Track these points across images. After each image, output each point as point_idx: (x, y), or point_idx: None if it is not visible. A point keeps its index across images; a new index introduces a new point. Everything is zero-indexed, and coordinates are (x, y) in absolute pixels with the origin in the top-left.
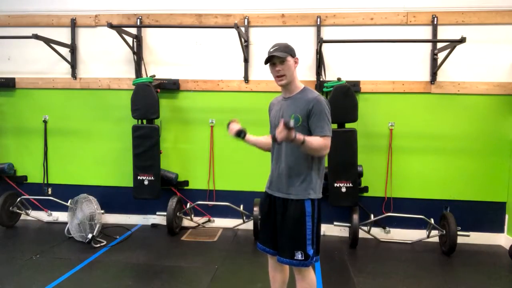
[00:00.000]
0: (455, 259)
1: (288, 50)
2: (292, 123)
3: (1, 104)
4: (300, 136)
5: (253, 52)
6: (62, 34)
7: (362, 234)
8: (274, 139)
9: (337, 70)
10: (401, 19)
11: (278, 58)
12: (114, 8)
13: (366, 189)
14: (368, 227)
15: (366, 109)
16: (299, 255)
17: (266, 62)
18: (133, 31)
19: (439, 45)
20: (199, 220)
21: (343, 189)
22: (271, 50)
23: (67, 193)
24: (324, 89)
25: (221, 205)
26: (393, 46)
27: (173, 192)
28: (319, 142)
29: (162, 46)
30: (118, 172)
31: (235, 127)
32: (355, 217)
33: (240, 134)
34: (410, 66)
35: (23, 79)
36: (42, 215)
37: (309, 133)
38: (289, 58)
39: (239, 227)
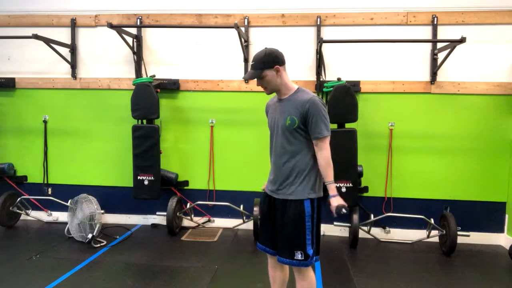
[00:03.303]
0: (455, 259)
1: (262, 65)
2: (345, 210)
3: (1, 104)
4: (334, 189)
5: (253, 52)
6: (62, 34)
7: (362, 234)
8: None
9: (337, 70)
10: (401, 19)
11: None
12: (114, 8)
13: (366, 189)
14: (368, 227)
15: (366, 109)
16: (299, 255)
17: (245, 81)
18: (133, 31)
19: (439, 45)
20: (199, 220)
21: (343, 189)
22: (250, 64)
23: (67, 193)
24: (324, 89)
25: (221, 205)
26: (393, 46)
27: (173, 192)
28: (325, 158)
29: (162, 46)
30: (118, 172)
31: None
32: (355, 217)
33: None
34: (410, 66)
35: (23, 79)
36: (42, 215)
37: (306, 133)
38: (265, 73)
39: (239, 227)
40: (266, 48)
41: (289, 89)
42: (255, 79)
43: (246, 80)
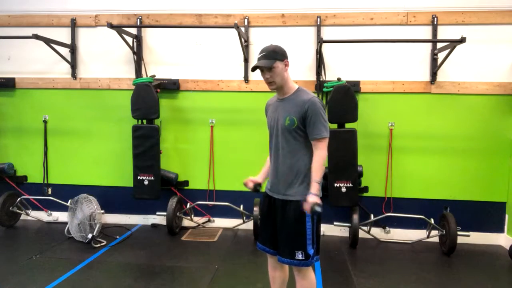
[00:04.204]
0: (455, 259)
1: (275, 55)
2: (319, 208)
3: (1, 104)
4: (317, 187)
5: (253, 52)
6: (62, 34)
7: (362, 234)
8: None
9: (337, 70)
10: (401, 19)
11: (264, 66)
12: (114, 8)
13: (366, 189)
14: (368, 227)
15: (366, 109)
16: (299, 255)
17: (253, 70)
18: (133, 31)
19: (439, 45)
20: (199, 220)
21: (343, 189)
22: (259, 56)
23: (67, 193)
24: (324, 89)
25: (221, 205)
26: (393, 46)
27: (173, 192)
28: (320, 158)
29: (162, 46)
30: (118, 172)
31: (251, 185)
32: (355, 217)
33: (257, 188)
34: (410, 66)
35: (23, 79)
36: (42, 215)
37: (305, 134)
38: (277, 64)
39: (239, 227)
40: (272, 44)
41: (290, 88)
42: (261, 73)
43: (256, 68)
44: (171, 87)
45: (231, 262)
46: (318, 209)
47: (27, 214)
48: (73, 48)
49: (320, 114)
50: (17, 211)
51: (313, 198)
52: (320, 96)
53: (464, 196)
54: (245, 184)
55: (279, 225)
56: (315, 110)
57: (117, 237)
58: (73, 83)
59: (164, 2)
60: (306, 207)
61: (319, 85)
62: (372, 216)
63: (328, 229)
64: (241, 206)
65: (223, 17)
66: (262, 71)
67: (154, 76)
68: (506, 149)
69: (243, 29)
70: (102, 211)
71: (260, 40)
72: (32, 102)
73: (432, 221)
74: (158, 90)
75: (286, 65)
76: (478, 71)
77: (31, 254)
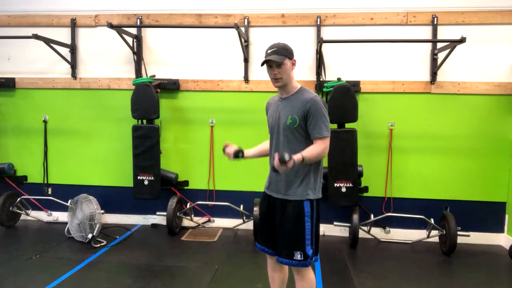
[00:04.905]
0: (455, 259)
1: (285, 53)
2: (286, 156)
3: (1, 104)
4: (298, 157)
5: (253, 52)
6: (62, 34)
7: (362, 234)
8: (274, 170)
9: (337, 70)
10: (401, 19)
11: (275, 61)
12: (114, 8)
13: (366, 189)
14: (368, 227)
15: (366, 109)
16: (298, 255)
17: (262, 64)
18: (133, 31)
19: (439, 45)
20: (199, 220)
21: (343, 189)
22: (269, 52)
23: (67, 193)
24: (324, 89)
25: (221, 205)
26: (393, 46)
27: (173, 192)
28: (318, 148)
29: (162, 46)
30: (118, 172)
31: (231, 150)
32: (355, 217)
33: (238, 154)
34: (410, 66)
35: (23, 79)
36: (42, 215)
37: (306, 133)
38: (286, 61)
39: (239, 227)
40: (281, 42)
41: (293, 87)
42: (268, 69)
43: (269, 59)
44: (171, 87)
45: (231, 262)
46: (287, 157)
47: (27, 214)
48: (73, 48)
49: (321, 113)
50: (17, 211)
51: (288, 155)
52: (320, 95)
53: (464, 196)
54: (225, 148)
55: (278, 225)
56: (317, 109)
57: (117, 237)
58: (73, 83)
59: (164, 2)
60: (275, 162)
61: (319, 85)
62: (372, 216)
63: (328, 229)
64: (241, 206)
65: (223, 17)
66: (270, 66)
67: (154, 76)
68: (506, 149)
69: (243, 29)
70: (102, 211)
71: (260, 40)
72: (32, 102)
73: (432, 221)
74: (158, 90)
75: (293, 64)
76: (478, 71)
77: (31, 254)
